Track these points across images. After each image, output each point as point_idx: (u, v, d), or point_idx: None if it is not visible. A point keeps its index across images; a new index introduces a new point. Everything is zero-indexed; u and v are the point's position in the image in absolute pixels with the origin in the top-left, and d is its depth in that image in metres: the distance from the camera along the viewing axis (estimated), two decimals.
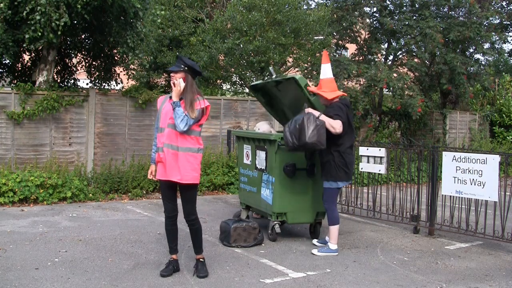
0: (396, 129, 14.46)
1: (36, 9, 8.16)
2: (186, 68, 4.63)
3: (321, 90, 5.81)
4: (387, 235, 6.81)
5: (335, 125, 5.58)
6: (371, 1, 14.74)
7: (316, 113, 5.63)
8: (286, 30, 12.06)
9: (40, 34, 8.36)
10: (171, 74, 4.67)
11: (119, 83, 11.64)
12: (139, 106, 10.35)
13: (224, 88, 14.90)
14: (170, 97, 4.70)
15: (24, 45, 9.34)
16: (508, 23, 16.47)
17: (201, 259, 4.92)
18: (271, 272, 5.03)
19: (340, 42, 15.53)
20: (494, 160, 6.02)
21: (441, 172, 6.68)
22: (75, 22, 9.11)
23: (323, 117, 5.59)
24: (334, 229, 5.78)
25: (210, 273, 4.87)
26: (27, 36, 8.40)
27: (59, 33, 8.49)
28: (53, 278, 4.63)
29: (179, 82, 4.59)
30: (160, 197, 9.23)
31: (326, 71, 5.87)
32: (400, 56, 15.60)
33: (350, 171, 5.79)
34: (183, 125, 4.49)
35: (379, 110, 14.60)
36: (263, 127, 6.70)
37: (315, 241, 6.15)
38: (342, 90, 12.99)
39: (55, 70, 10.48)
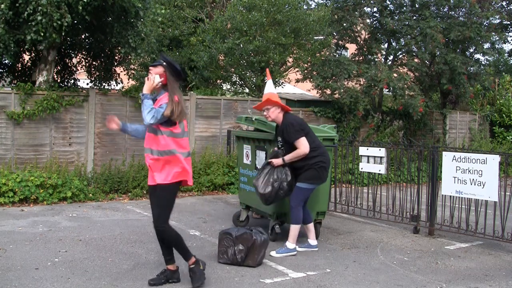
0: (398, 128, 14.46)
1: (38, 10, 8.16)
2: (164, 63, 4.35)
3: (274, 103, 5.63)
4: (387, 235, 6.82)
5: (301, 151, 5.50)
6: (371, 1, 14.75)
7: (278, 161, 5.58)
8: (286, 30, 12.05)
9: (43, 35, 8.36)
10: (150, 69, 4.38)
11: (119, 83, 11.65)
12: (139, 106, 10.34)
13: (224, 88, 14.90)
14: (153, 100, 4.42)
15: (26, 46, 9.34)
16: (508, 23, 16.47)
17: (191, 265, 4.51)
18: (271, 272, 5.03)
19: (340, 42, 15.53)
20: (494, 160, 6.02)
21: (441, 172, 6.68)
22: (76, 22, 9.11)
23: (287, 158, 5.53)
24: (295, 229, 5.66)
25: (210, 273, 4.85)
26: (29, 37, 8.40)
27: (62, 33, 8.49)
28: (53, 278, 4.63)
29: (154, 76, 4.32)
30: None
31: (269, 87, 5.85)
32: (400, 56, 15.60)
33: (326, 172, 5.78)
34: (149, 116, 4.20)
35: (379, 110, 14.61)
36: None
37: (273, 253, 5.79)
38: (342, 90, 13.02)
39: (55, 70, 10.47)
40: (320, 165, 5.61)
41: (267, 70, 6.53)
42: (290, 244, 5.67)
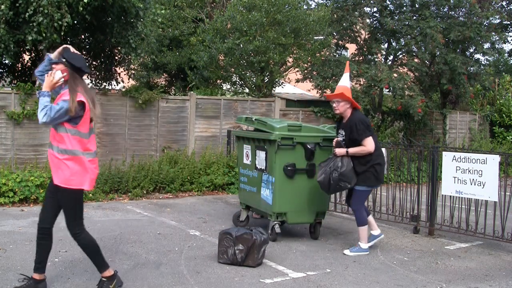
0: (399, 128, 14.46)
1: (38, 10, 8.16)
2: (64, 59, 4.07)
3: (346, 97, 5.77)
4: (387, 235, 6.81)
5: (367, 149, 5.64)
6: (371, 1, 14.75)
7: (342, 151, 5.71)
8: (286, 30, 12.06)
9: (43, 35, 8.36)
10: (53, 65, 4.14)
11: (119, 83, 11.65)
12: (139, 106, 10.34)
13: (224, 88, 14.90)
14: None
15: (27, 46, 9.34)
16: (508, 23, 16.47)
17: (103, 278, 4.23)
18: (271, 272, 5.03)
19: (340, 42, 15.53)
20: (494, 160, 6.02)
21: (441, 172, 6.68)
22: (76, 22, 9.12)
23: (351, 150, 5.67)
24: (363, 230, 5.84)
25: (210, 273, 4.87)
26: (30, 38, 8.40)
27: (62, 33, 8.49)
28: (53, 278, 4.62)
29: (54, 73, 4.05)
30: (160, 197, 9.27)
31: (344, 80, 6.00)
32: (400, 56, 15.60)
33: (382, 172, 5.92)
34: (42, 115, 3.88)
35: (379, 110, 14.61)
36: None
37: (347, 251, 5.89)
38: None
39: None
40: (375, 168, 5.74)
41: (347, 62, 6.57)
42: (363, 244, 5.85)
